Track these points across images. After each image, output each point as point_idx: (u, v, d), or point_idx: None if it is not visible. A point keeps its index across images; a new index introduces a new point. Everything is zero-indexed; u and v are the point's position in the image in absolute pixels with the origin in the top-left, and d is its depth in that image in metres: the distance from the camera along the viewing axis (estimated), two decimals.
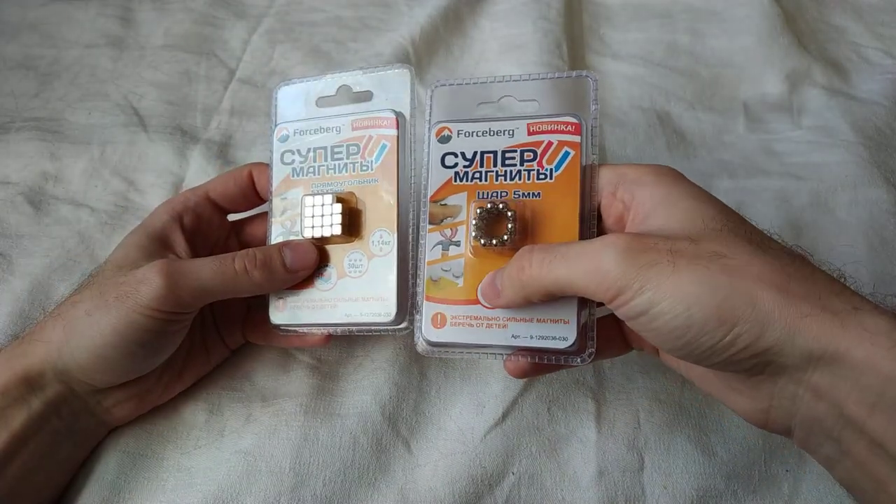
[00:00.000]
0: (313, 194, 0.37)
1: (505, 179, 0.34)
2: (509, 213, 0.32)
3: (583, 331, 0.32)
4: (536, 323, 0.31)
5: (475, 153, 0.34)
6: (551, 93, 0.35)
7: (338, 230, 0.36)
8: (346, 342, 0.42)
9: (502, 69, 0.59)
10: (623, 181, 0.30)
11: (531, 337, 0.31)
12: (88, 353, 0.32)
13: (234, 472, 0.37)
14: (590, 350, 0.31)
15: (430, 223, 0.34)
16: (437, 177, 0.35)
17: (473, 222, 0.33)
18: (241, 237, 0.42)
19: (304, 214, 0.37)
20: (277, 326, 0.38)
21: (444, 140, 0.35)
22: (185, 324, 0.35)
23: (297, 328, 0.38)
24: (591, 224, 0.32)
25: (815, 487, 0.36)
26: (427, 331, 0.33)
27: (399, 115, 0.37)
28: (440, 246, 0.34)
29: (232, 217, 0.42)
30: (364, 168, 0.37)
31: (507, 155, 0.34)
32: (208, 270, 0.34)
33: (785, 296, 0.24)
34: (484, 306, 0.32)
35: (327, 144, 0.38)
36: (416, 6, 0.65)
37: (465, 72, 0.60)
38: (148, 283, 0.32)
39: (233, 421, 0.39)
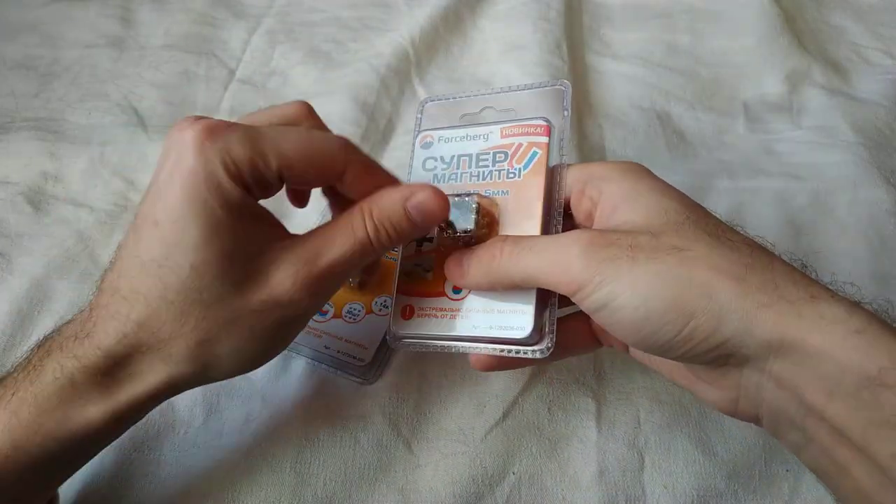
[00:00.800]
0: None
1: (478, 180, 0.35)
2: (473, 206, 0.33)
3: (541, 324, 0.32)
4: (496, 314, 0.32)
5: (453, 157, 0.36)
6: (529, 102, 0.37)
7: (354, 280, 0.39)
8: None
9: (502, 69, 0.59)
10: (591, 178, 0.30)
11: (490, 327, 0.32)
12: (235, 363, 0.31)
13: (235, 471, 0.37)
14: (547, 343, 0.31)
15: None
16: (419, 179, 0.36)
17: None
18: None
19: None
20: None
21: (426, 146, 0.36)
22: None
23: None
24: (557, 220, 0.33)
25: (815, 487, 0.36)
26: (396, 323, 0.34)
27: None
28: (415, 242, 0.35)
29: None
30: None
31: (482, 157, 0.35)
32: (349, 266, 0.31)
33: (742, 286, 0.24)
34: (450, 298, 0.33)
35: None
36: (416, 6, 0.65)
37: (465, 72, 0.60)
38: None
39: (232, 421, 0.39)
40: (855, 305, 0.23)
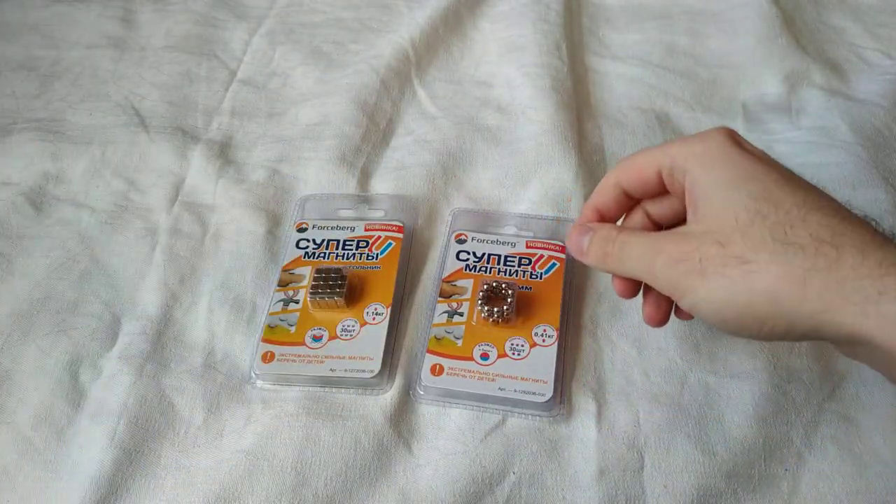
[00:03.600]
0: (322, 273, 0.43)
1: (505, 275, 0.44)
2: (510, 292, 0.41)
3: (558, 389, 0.39)
4: (520, 381, 0.39)
5: (484, 254, 0.45)
6: (543, 227, 0.47)
7: (342, 298, 0.42)
8: None
9: (502, 71, 0.60)
10: (674, 164, 0.31)
11: (514, 390, 0.39)
12: None
13: (236, 471, 0.37)
14: (561, 410, 0.39)
15: (441, 296, 0.43)
16: (451, 265, 0.45)
17: (480, 294, 0.42)
18: None
19: (312, 288, 0.42)
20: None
21: (461, 242, 0.46)
22: None
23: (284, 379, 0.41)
24: (570, 309, 0.43)
25: (815, 487, 0.36)
26: (426, 377, 0.39)
27: (401, 222, 0.47)
28: (446, 314, 0.42)
29: None
30: (371, 257, 0.45)
31: (509, 259, 0.45)
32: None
33: (803, 293, 0.26)
34: (478, 363, 0.40)
35: (340, 238, 0.46)
36: (416, 7, 0.65)
37: (465, 73, 0.60)
38: None
39: (232, 421, 0.39)
40: None
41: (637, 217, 0.36)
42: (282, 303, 0.43)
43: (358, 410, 0.39)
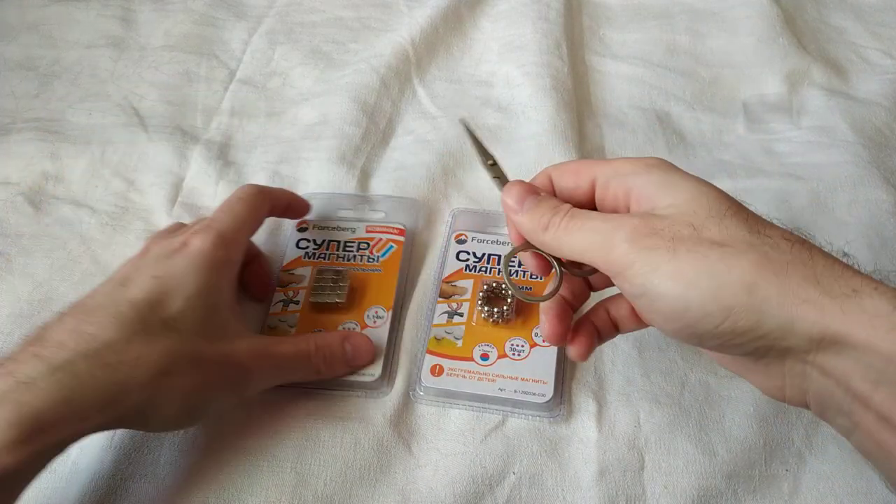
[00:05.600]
0: (322, 273, 0.43)
1: (506, 276, 0.40)
2: (510, 293, 0.41)
3: (559, 390, 0.39)
4: (520, 381, 0.39)
5: (484, 254, 0.45)
6: None
7: (342, 297, 0.42)
8: None
9: (502, 70, 0.59)
10: (616, 174, 0.30)
11: (515, 391, 0.39)
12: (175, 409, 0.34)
13: (235, 471, 0.37)
14: (561, 410, 0.39)
15: (441, 297, 0.43)
16: (451, 265, 0.45)
17: (481, 295, 0.42)
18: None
19: (313, 288, 0.43)
20: None
21: (461, 242, 0.46)
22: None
23: None
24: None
25: (815, 487, 0.36)
26: (426, 378, 0.39)
27: (403, 225, 0.47)
28: (446, 314, 0.42)
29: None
30: (372, 259, 0.45)
31: (510, 260, 0.41)
32: (292, 363, 0.38)
33: (782, 282, 0.24)
34: (478, 364, 0.40)
35: (341, 240, 0.46)
36: (416, 7, 0.65)
37: (465, 73, 0.60)
38: (241, 370, 0.36)
39: (232, 421, 0.39)
40: None
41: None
42: (281, 303, 0.43)
43: (357, 411, 0.39)
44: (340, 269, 0.43)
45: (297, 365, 0.38)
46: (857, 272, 0.25)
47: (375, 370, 0.40)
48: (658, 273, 0.26)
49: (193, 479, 0.37)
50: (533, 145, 0.52)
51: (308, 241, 0.46)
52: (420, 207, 0.49)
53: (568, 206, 0.31)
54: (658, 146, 0.54)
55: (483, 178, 0.52)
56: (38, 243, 0.48)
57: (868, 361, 0.23)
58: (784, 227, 0.27)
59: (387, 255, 0.45)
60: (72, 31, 0.65)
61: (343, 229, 0.47)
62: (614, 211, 0.31)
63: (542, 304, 0.34)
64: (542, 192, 0.32)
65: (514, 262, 0.43)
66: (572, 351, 0.33)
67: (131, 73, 0.61)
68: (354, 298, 0.43)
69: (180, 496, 0.36)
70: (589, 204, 0.32)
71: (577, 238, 0.29)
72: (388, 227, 0.47)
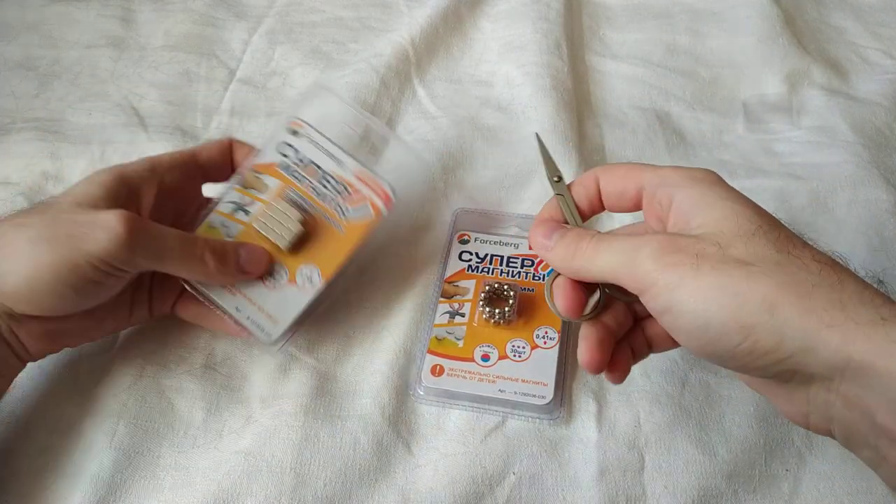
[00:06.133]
0: (285, 200, 0.40)
1: (507, 276, 0.44)
2: (512, 293, 0.41)
3: (559, 392, 0.39)
4: (521, 383, 0.39)
5: (486, 254, 0.45)
6: None
7: (285, 244, 0.39)
8: (344, 343, 0.42)
9: (502, 70, 0.59)
10: (663, 183, 0.31)
11: (515, 393, 0.39)
12: (18, 278, 0.31)
13: (235, 471, 0.37)
14: (561, 413, 0.39)
15: (442, 297, 0.43)
16: (453, 265, 0.45)
17: (482, 295, 0.42)
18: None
19: (267, 212, 0.39)
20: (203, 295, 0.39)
21: (463, 242, 0.46)
22: (125, 281, 0.35)
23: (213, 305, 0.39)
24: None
25: (815, 487, 0.36)
26: (426, 378, 0.39)
27: (393, 192, 0.41)
28: (448, 314, 0.42)
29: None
30: (340, 212, 0.40)
31: (511, 260, 0.45)
32: (173, 243, 0.35)
33: (806, 304, 0.24)
34: (479, 364, 0.40)
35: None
36: (416, 7, 0.65)
37: (465, 72, 0.60)
38: (107, 231, 0.32)
39: (232, 421, 0.39)
40: None
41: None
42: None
43: (357, 410, 0.39)
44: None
45: (181, 248, 0.35)
46: (889, 300, 0.24)
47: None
48: (680, 290, 0.26)
49: (192, 479, 0.37)
50: (533, 145, 0.52)
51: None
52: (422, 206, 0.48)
53: (594, 231, 0.31)
54: (658, 146, 0.54)
55: (483, 178, 0.52)
56: None
57: (893, 395, 0.22)
58: (817, 249, 0.27)
59: (356, 217, 0.41)
60: (72, 31, 0.65)
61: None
62: (659, 220, 0.31)
63: (581, 331, 0.33)
64: (565, 226, 0.33)
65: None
66: (610, 377, 0.33)
67: (131, 73, 0.61)
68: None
69: (179, 495, 0.36)
70: (636, 209, 0.33)
71: (605, 259, 0.29)
72: None
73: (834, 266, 0.25)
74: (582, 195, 0.34)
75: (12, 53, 0.63)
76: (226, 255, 0.37)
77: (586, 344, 0.32)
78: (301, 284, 0.39)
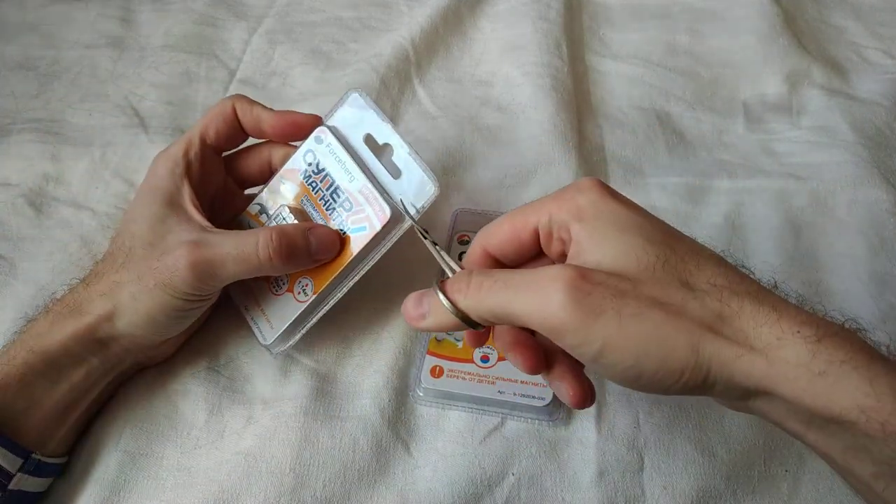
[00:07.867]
0: (297, 209, 0.41)
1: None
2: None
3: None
4: (520, 384, 0.39)
5: None
6: None
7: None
8: (344, 345, 0.42)
9: (502, 70, 0.59)
10: (554, 220, 0.29)
11: (514, 394, 0.39)
12: (142, 323, 0.37)
13: (235, 472, 0.37)
14: (560, 414, 0.39)
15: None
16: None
17: None
18: (235, 174, 0.44)
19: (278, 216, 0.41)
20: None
21: (463, 243, 0.46)
22: (216, 293, 0.39)
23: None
24: None
25: (815, 488, 0.36)
26: (425, 379, 0.40)
27: (394, 216, 0.38)
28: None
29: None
30: (341, 228, 0.40)
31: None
32: (232, 261, 0.36)
33: (719, 340, 0.25)
34: (478, 365, 0.40)
35: (338, 182, 0.40)
36: (416, 7, 0.65)
37: (465, 72, 0.60)
38: (179, 274, 0.36)
39: (233, 422, 0.39)
40: (819, 342, 0.24)
41: None
42: None
43: (356, 412, 0.39)
44: None
45: (243, 266, 0.36)
46: (784, 312, 0.25)
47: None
48: (610, 341, 0.25)
49: (194, 479, 0.37)
50: (533, 145, 0.52)
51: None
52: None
53: (469, 273, 0.29)
54: (658, 146, 0.54)
55: (483, 177, 0.52)
56: (39, 246, 0.48)
57: (794, 410, 0.25)
58: (708, 265, 0.27)
59: (354, 234, 0.40)
60: (72, 31, 0.65)
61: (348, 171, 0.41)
62: (561, 256, 0.30)
63: (504, 343, 0.31)
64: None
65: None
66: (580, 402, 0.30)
67: (131, 73, 0.61)
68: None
69: (180, 496, 0.36)
70: (537, 252, 0.31)
71: (499, 297, 0.27)
72: None
73: (732, 289, 0.26)
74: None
75: (12, 53, 0.63)
76: (294, 248, 0.37)
77: (511, 352, 0.30)
78: (297, 294, 0.40)
